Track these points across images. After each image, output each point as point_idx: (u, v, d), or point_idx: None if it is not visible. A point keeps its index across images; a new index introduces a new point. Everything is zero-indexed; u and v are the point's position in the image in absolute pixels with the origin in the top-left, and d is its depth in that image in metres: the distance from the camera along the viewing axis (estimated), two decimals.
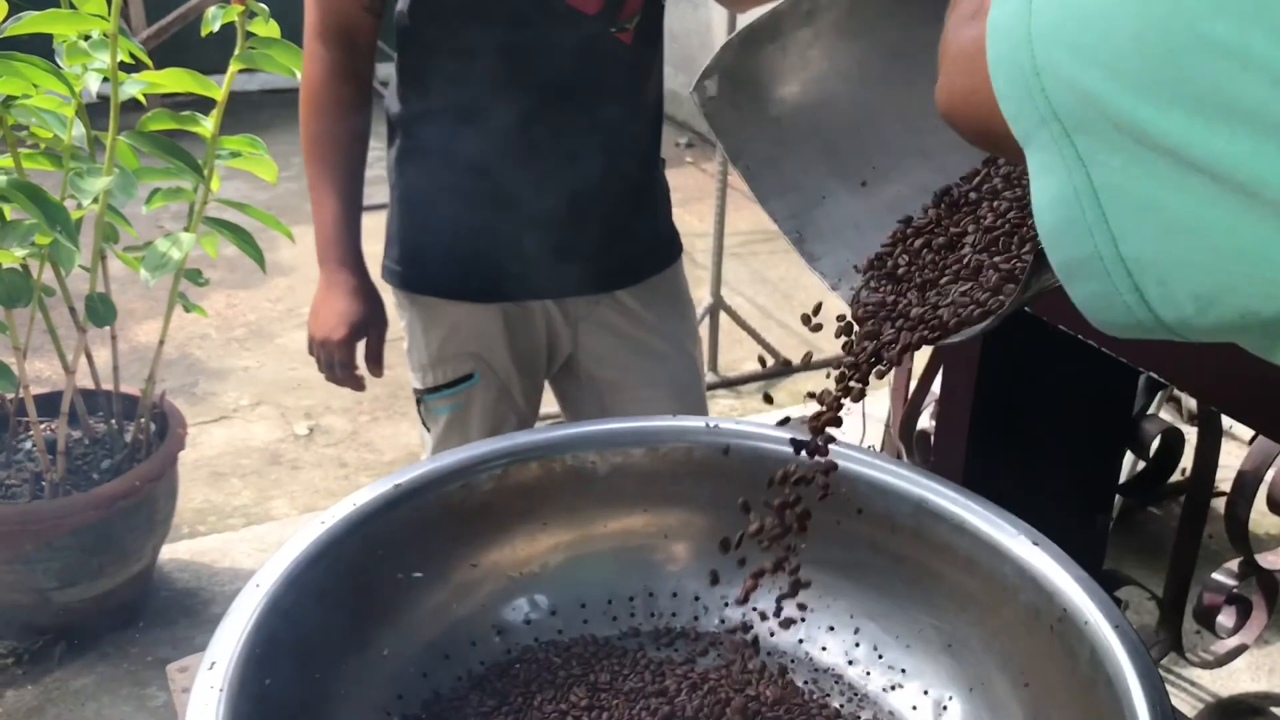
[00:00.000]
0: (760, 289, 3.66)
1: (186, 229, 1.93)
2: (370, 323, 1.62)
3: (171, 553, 2.29)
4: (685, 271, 1.81)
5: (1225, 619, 1.96)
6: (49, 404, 2.05)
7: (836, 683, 1.07)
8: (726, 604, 1.13)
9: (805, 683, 1.06)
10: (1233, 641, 1.84)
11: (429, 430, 1.71)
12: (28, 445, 2.09)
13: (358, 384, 1.65)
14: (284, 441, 2.81)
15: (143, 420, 2.10)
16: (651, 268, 1.72)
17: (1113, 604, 0.90)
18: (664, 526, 1.14)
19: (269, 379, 3.10)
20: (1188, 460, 1.55)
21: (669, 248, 1.77)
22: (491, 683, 1.05)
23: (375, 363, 1.66)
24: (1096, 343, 1.12)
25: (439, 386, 1.65)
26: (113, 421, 2.12)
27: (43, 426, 1.98)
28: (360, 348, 1.64)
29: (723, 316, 3.18)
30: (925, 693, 1.03)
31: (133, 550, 2.03)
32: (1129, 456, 1.73)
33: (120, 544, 1.99)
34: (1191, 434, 1.90)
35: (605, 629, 1.12)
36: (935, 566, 1.03)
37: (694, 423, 1.15)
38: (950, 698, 1.01)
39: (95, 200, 1.80)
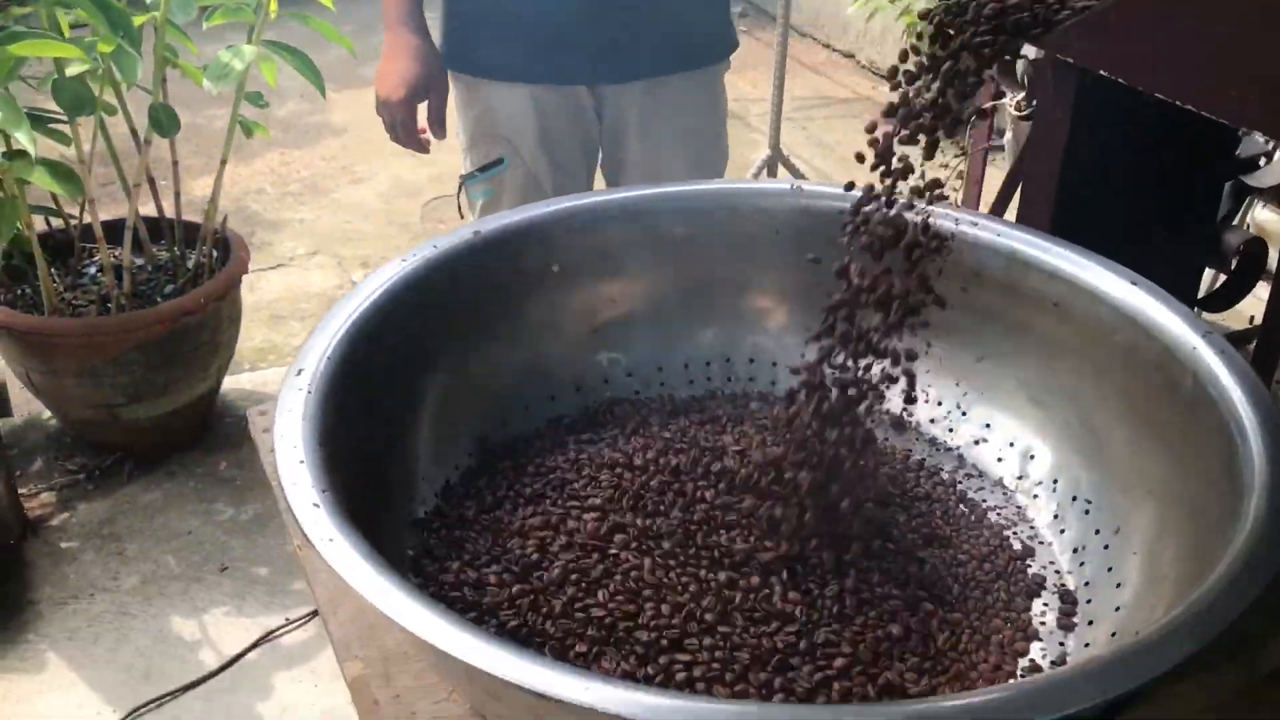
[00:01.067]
0: (817, 151, 3.60)
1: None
2: (430, 85, 1.62)
3: (234, 383, 2.31)
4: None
5: None
6: (112, 232, 2.05)
7: (918, 438, 1.06)
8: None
9: (885, 439, 1.05)
10: None
11: (465, 220, 1.72)
12: (93, 270, 2.10)
13: (420, 146, 1.65)
14: (341, 288, 2.81)
15: (205, 247, 2.10)
16: (695, 60, 1.69)
17: (1217, 333, 0.87)
18: (742, 291, 1.12)
19: (325, 230, 3.10)
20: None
21: (717, 44, 1.73)
22: (568, 430, 1.04)
23: (437, 125, 1.65)
24: (1195, 106, 1.07)
25: (474, 172, 1.67)
26: (175, 249, 2.12)
27: (107, 253, 1.99)
28: (423, 111, 1.63)
29: (780, 171, 3.13)
30: (1011, 444, 1.01)
31: (197, 370, 2.05)
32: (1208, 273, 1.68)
33: (185, 362, 2.01)
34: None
35: (682, 390, 1.11)
36: (1025, 319, 1.00)
37: (776, 186, 1.12)
38: (1037, 447, 1.00)
39: (156, 6, 1.77)
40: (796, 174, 3.16)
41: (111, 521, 1.95)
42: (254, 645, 1.70)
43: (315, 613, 1.74)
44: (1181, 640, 0.62)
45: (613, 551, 0.86)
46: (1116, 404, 0.93)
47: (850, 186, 1.00)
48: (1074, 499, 0.95)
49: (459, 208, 1.70)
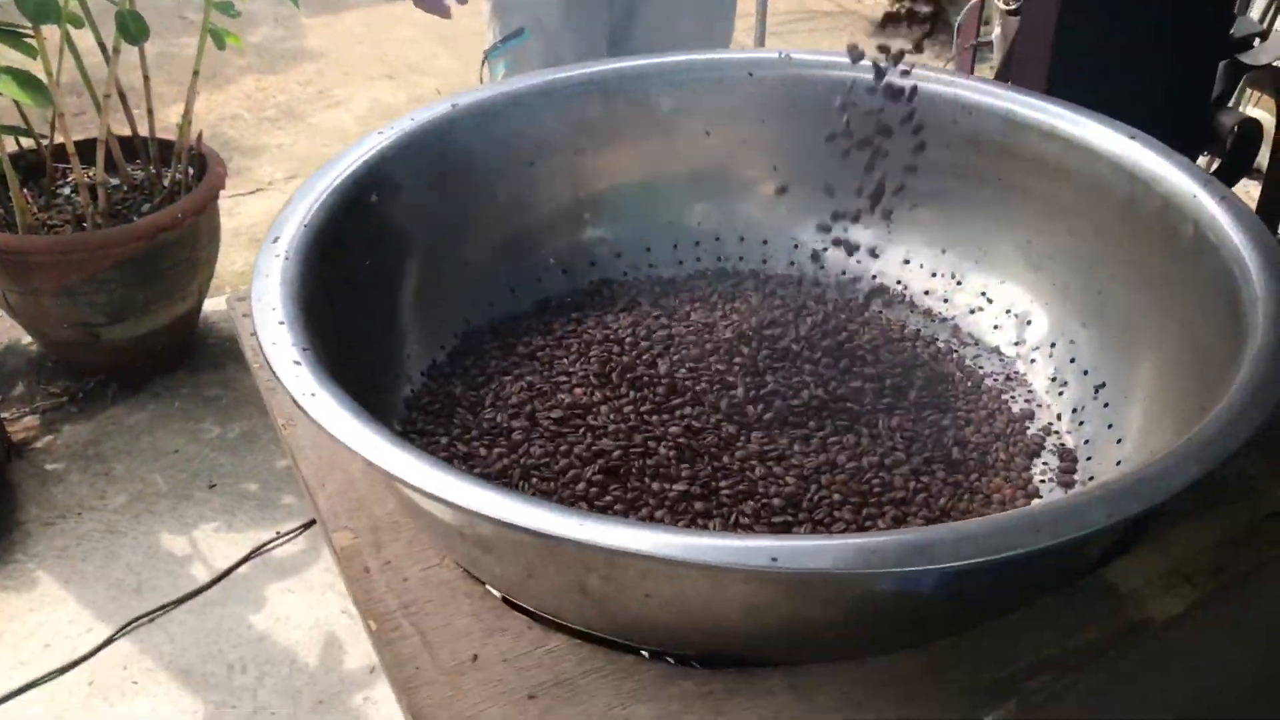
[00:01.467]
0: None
1: None
2: None
3: (216, 305, 2.28)
4: None
5: None
6: (85, 152, 2.00)
7: (912, 310, 1.04)
8: (796, 246, 1.09)
9: (879, 311, 1.03)
10: None
11: None
12: (67, 190, 2.06)
13: (443, 10, 1.61)
14: None
15: (180, 164, 2.06)
16: None
17: (1219, 182, 0.85)
18: (731, 166, 1.09)
19: (303, 155, 3.04)
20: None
21: None
22: (556, 311, 1.02)
23: None
24: None
25: (496, 44, 1.63)
26: (151, 167, 2.08)
27: (81, 171, 1.94)
28: None
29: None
30: (1008, 311, 1.00)
31: (178, 287, 2.01)
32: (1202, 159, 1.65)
33: (165, 280, 1.97)
34: (1270, 123, 1.83)
35: (672, 270, 1.09)
36: (1022, 181, 0.98)
37: (766, 55, 1.09)
38: (1034, 312, 0.98)
39: None
40: None
41: (97, 443, 1.93)
42: (245, 559, 1.69)
43: (306, 525, 1.73)
44: (1187, 466, 0.60)
45: (601, 420, 0.85)
46: (1116, 261, 0.91)
47: (855, 52, 0.97)
48: (1072, 360, 0.93)
49: (480, 81, 1.67)
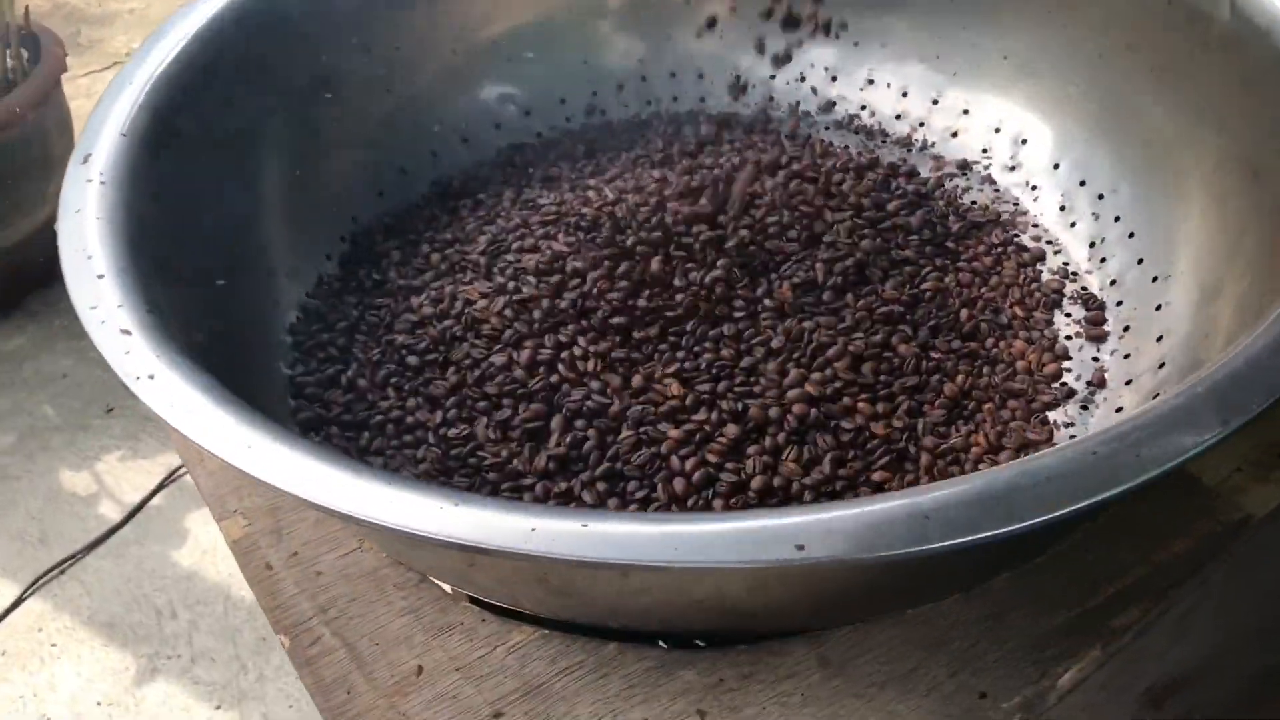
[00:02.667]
0: None
1: None
2: None
3: None
4: None
5: None
6: None
7: (884, 140, 0.88)
8: (738, 77, 0.92)
9: (843, 145, 0.87)
10: None
11: None
12: None
13: None
14: None
15: (10, 48, 1.79)
16: None
17: None
18: None
19: (158, 17, 2.73)
20: None
21: None
22: (459, 194, 0.84)
23: None
24: None
25: None
26: None
27: None
28: None
29: None
30: (997, 130, 0.84)
31: (32, 194, 1.77)
32: None
33: (16, 185, 1.74)
34: None
35: (595, 123, 0.91)
36: None
37: None
38: (1031, 127, 0.82)
39: None
40: None
41: None
42: (158, 489, 1.52)
43: None
44: None
45: (538, 353, 0.68)
46: (1127, 59, 0.75)
47: None
48: (1082, 184, 0.78)
49: None
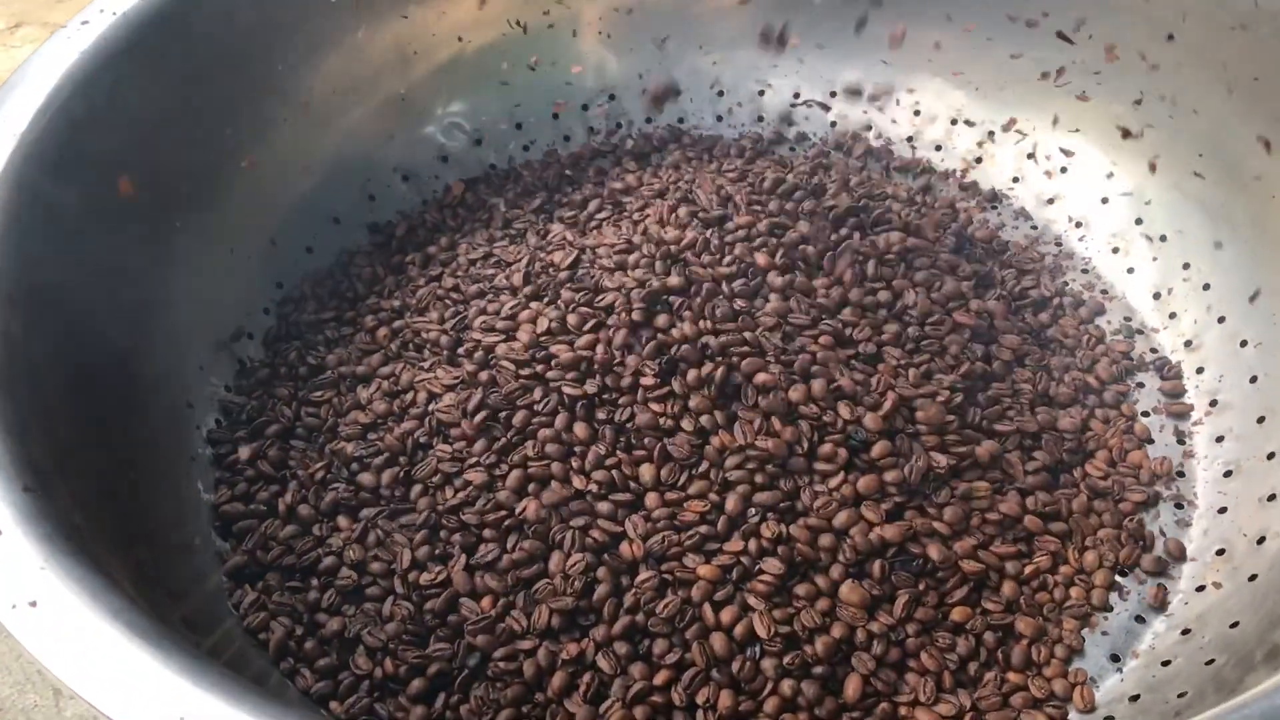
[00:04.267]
0: None
1: None
2: None
3: None
4: None
5: None
6: None
7: (903, 170, 0.75)
8: (721, 94, 0.79)
9: (867, 175, 0.74)
10: None
11: None
12: None
13: None
14: None
15: None
16: None
17: None
18: None
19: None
20: None
21: None
22: (401, 246, 0.70)
23: None
24: None
25: None
26: None
27: None
28: None
29: None
30: (1029, 156, 0.72)
31: None
32: None
33: None
34: None
35: (558, 150, 0.77)
36: None
37: None
38: (1068, 158, 0.71)
39: None
40: None
41: None
42: None
43: None
44: None
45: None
46: (1197, 73, 0.64)
47: None
48: (1138, 222, 0.67)
49: None
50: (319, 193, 0.69)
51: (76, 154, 0.53)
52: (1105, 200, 0.69)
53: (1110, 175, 0.69)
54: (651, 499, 0.53)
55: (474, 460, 0.55)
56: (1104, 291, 0.67)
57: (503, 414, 0.56)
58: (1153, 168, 0.66)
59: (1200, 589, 0.52)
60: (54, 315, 0.49)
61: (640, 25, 0.76)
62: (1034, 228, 0.71)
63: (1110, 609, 0.53)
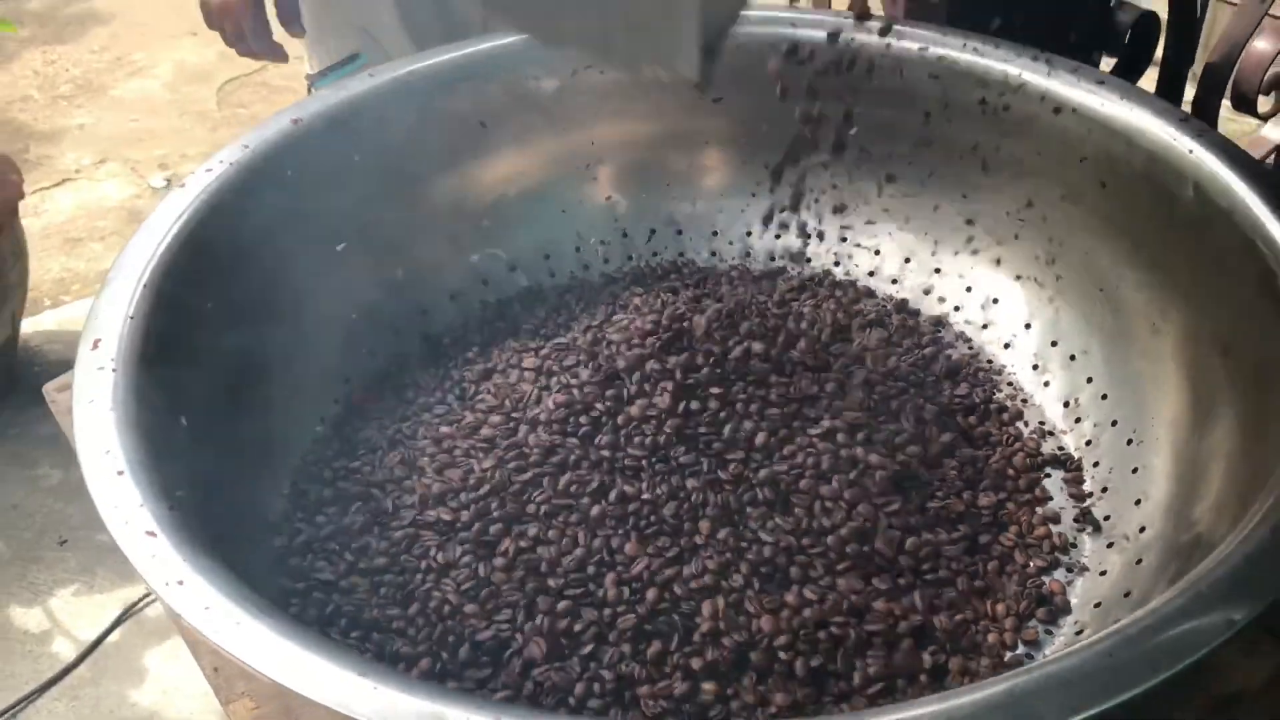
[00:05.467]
0: None
1: None
2: None
3: (36, 325, 2.02)
4: None
5: None
6: None
7: (858, 297, 0.90)
8: (715, 233, 0.95)
9: (825, 300, 0.89)
10: None
11: None
12: None
13: (278, 54, 1.34)
14: (140, 197, 2.49)
15: None
16: None
17: (1214, 131, 0.73)
18: (629, 149, 0.93)
19: (109, 134, 2.73)
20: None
21: None
22: (450, 351, 0.86)
23: (293, 22, 1.33)
24: None
25: (324, 71, 1.37)
26: None
27: None
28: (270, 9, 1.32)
29: None
30: (968, 289, 0.88)
31: None
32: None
33: None
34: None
35: (579, 276, 0.93)
36: (968, 139, 0.85)
37: None
38: (1002, 289, 0.86)
39: None
40: None
41: None
42: (114, 625, 1.49)
43: None
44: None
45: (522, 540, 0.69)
46: (1097, 230, 0.79)
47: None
48: (1054, 344, 0.82)
49: None
50: (384, 307, 0.85)
51: (206, 264, 0.70)
52: (1028, 326, 0.83)
53: (1032, 306, 0.83)
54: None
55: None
56: (1024, 400, 0.81)
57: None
58: (1064, 298, 0.81)
59: (1079, 633, 0.65)
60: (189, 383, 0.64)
61: (651, 177, 0.93)
62: (970, 348, 0.85)
63: (1013, 648, 0.66)
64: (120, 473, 0.55)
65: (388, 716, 0.44)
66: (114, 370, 0.61)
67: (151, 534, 0.52)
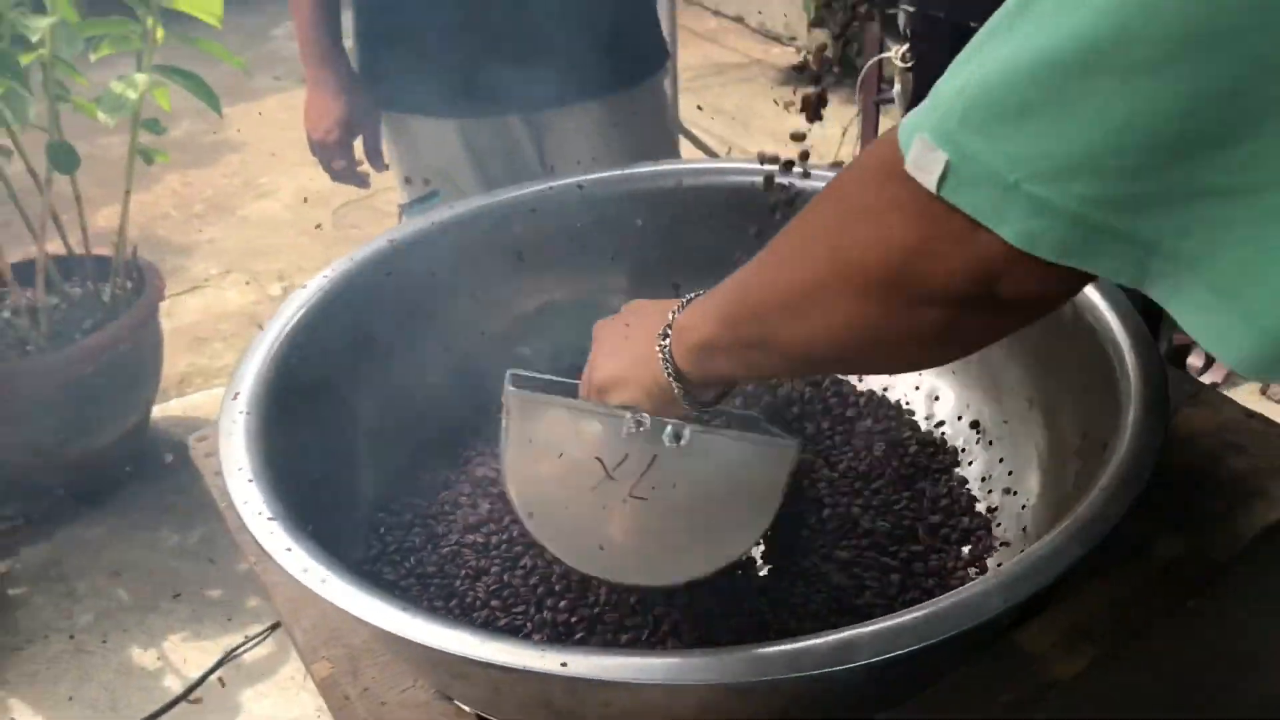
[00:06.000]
0: (719, 119, 3.66)
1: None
2: (360, 119, 1.56)
3: (164, 411, 2.32)
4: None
5: (1195, 360, 2.04)
6: (22, 274, 2.04)
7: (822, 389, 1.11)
8: None
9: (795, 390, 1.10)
10: (1205, 379, 1.91)
11: None
12: (6, 314, 2.09)
13: (361, 182, 1.62)
14: (259, 304, 2.81)
15: (118, 279, 2.10)
16: (630, 76, 1.59)
17: None
18: (652, 272, 1.17)
19: (235, 248, 3.09)
20: None
21: (651, 55, 1.64)
22: (495, 417, 1.09)
23: (375, 157, 1.61)
24: None
25: (411, 203, 1.63)
26: (88, 284, 2.12)
27: (19, 295, 1.98)
28: (358, 146, 1.59)
29: (684, 144, 3.18)
30: (917, 387, 1.08)
31: (125, 404, 2.05)
32: None
33: (112, 398, 2.01)
34: None
35: None
36: None
37: (670, 167, 1.17)
38: (940, 387, 1.06)
39: (42, 43, 1.77)
40: (698, 144, 3.22)
41: (58, 562, 1.96)
42: (216, 666, 1.72)
43: (274, 627, 1.77)
44: (1071, 548, 0.69)
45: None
46: (1007, 341, 1.00)
47: (766, 159, 1.06)
48: (975, 427, 1.02)
49: None
50: (446, 383, 1.08)
51: (317, 343, 0.94)
52: (959, 418, 1.04)
53: (967, 405, 1.04)
54: None
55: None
56: (952, 479, 1.01)
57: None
58: (971, 387, 1.02)
59: None
60: (300, 430, 0.88)
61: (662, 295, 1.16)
62: (915, 433, 1.06)
63: None
64: (250, 480, 0.79)
65: (424, 636, 0.66)
66: (246, 414, 0.85)
67: (271, 519, 0.75)
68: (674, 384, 0.73)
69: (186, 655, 1.76)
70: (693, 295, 0.74)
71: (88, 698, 1.69)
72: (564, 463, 0.79)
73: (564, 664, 0.64)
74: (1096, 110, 0.43)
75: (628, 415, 0.77)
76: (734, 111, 3.73)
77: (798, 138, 1.06)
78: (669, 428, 0.77)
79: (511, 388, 0.84)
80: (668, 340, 0.73)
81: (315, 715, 1.64)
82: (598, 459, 0.78)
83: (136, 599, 1.88)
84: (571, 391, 0.86)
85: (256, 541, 0.74)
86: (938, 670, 0.75)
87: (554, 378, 0.90)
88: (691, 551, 0.80)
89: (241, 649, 1.76)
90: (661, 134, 1.69)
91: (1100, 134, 0.43)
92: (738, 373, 0.73)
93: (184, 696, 1.68)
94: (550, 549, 0.81)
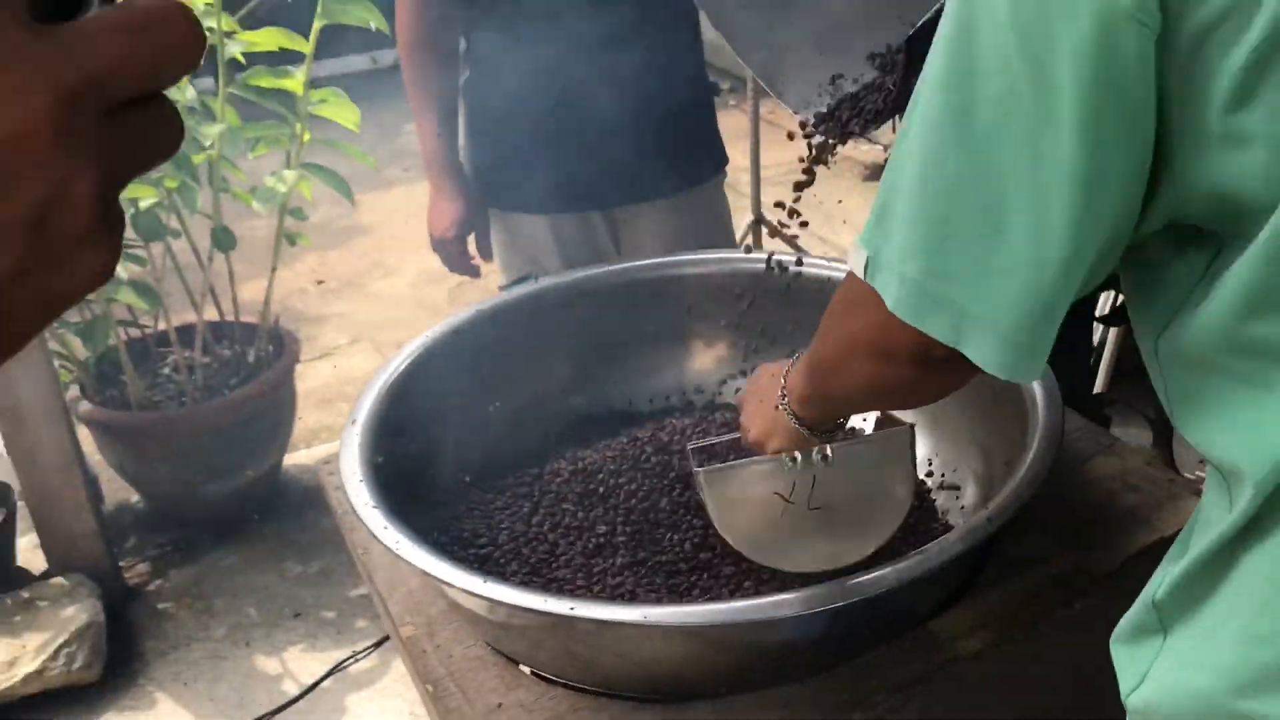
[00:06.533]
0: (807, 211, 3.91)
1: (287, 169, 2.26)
2: (474, 220, 1.89)
3: (293, 459, 2.64)
4: (730, 197, 1.99)
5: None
6: (182, 336, 2.39)
7: None
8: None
9: None
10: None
11: None
12: (167, 370, 2.44)
13: (474, 271, 1.93)
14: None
15: (262, 343, 2.44)
16: (691, 179, 1.89)
17: None
18: (680, 340, 1.44)
19: (363, 320, 3.45)
20: None
21: (707, 161, 1.94)
22: (555, 444, 1.36)
23: (485, 251, 1.93)
24: None
25: (509, 285, 1.92)
26: (237, 347, 2.46)
27: (180, 354, 2.34)
28: (471, 241, 1.91)
29: (765, 233, 3.44)
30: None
31: (263, 448, 2.38)
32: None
33: (253, 442, 2.34)
34: None
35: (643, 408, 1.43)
36: None
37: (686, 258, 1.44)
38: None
39: (212, 146, 2.13)
40: (780, 235, 3.48)
41: (199, 583, 2.28)
42: (327, 675, 2.00)
43: (378, 644, 2.05)
44: (954, 546, 0.92)
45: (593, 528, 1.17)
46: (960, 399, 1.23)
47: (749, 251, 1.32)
48: (929, 462, 1.25)
49: None
50: (513, 419, 1.35)
51: (418, 384, 1.22)
52: (930, 461, 1.27)
53: (932, 448, 1.27)
54: None
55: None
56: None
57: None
58: (948, 445, 1.24)
59: None
60: (406, 449, 1.16)
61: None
62: None
63: None
64: (360, 480, 1.07)
65: (454, 578, 0.92)
66: (359, 435, 1.14)
67: (375, 507, 1.02)
68: (800, 428, 0.97)
69: (303, 665, 2.04)
70: (796, 358, 0.96)
71: (220, 696, 1.98)
72: (756, 504, 1.03)
73: (571, 609, 0.89)
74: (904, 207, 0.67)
75: (784, 456, 1.01)
76: (818, 204, 3.99)
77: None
78: (815, 454, 1.01)
79: (698, 467, 1.08)
80: (786, 399, 0.96)
81: (409, 718, 1.90)
82: (776, 493, 1.02)
83: (263, 616, 2.17)
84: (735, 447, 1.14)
85: (361, 520, 1.02)
86: (862, 637, 0.98)
87: (713, 439, 1.18)
88: (866, 533, 1.03)
89: (349, 661, 2.03)
90: (719, 228, 1.97)
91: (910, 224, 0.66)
92: (828, 413, 0.96)
93: (299, 699, 1.96)
94: (769, 565, 1.04)
